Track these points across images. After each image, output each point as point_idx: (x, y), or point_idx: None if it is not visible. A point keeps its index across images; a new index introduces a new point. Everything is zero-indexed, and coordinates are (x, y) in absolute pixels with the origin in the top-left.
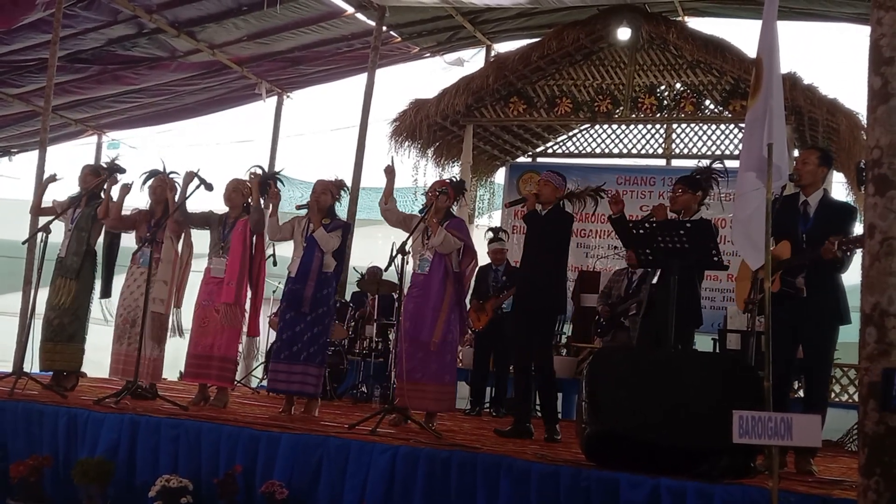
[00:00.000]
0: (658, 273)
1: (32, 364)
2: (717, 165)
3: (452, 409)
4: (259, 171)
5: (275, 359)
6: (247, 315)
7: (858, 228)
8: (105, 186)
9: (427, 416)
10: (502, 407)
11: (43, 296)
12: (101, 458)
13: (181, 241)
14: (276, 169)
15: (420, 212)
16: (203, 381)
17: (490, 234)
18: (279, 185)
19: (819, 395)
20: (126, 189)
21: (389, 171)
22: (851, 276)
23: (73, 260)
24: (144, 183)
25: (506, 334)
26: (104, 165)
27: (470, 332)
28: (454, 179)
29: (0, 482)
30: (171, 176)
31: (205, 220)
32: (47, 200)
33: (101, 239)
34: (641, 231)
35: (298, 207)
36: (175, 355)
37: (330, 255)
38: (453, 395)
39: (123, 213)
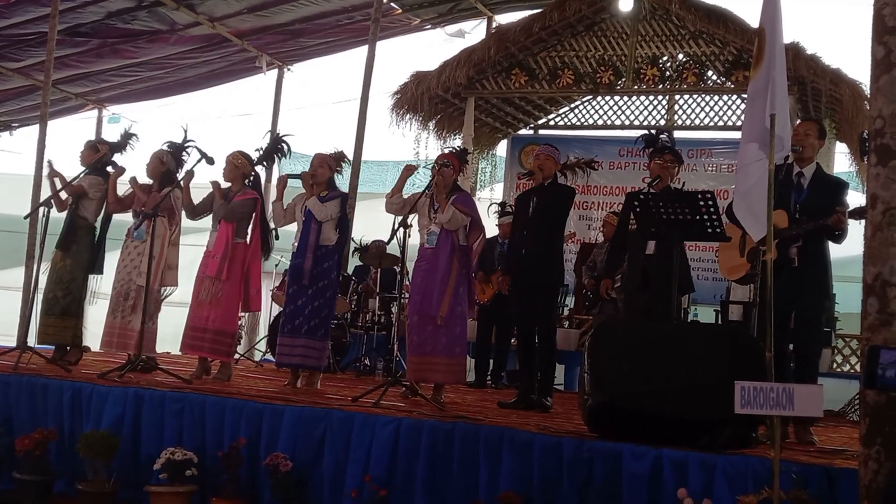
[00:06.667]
0: (651, 245)
1: (36, 338)
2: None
3: (463, 382)
4: (266, 140)
5: (280, 333)
6: (242, 290)
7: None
8: (111, 173)
9: (435, 388)
10: (502, 379)
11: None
12: (106, 432)
13: (172, 219)
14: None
15: (427, 188)
16: (197, 353)
17: (497, 208)
18: (283, 155)
19: (812, 366)
20: (117, 174)
21: (409, 170)
22: (839, 249)
23: (65, 234)
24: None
25: (509, 307)
26: (115, 140)
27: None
28: (456, 149)
29: (6, 456)
30: (187, 145)
31: (208, 204)
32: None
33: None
34: (642, 203)
35: (290, 177)
36: (176, 330)
37: (330, 229)
38: (464, 367)
39: (121, 194)
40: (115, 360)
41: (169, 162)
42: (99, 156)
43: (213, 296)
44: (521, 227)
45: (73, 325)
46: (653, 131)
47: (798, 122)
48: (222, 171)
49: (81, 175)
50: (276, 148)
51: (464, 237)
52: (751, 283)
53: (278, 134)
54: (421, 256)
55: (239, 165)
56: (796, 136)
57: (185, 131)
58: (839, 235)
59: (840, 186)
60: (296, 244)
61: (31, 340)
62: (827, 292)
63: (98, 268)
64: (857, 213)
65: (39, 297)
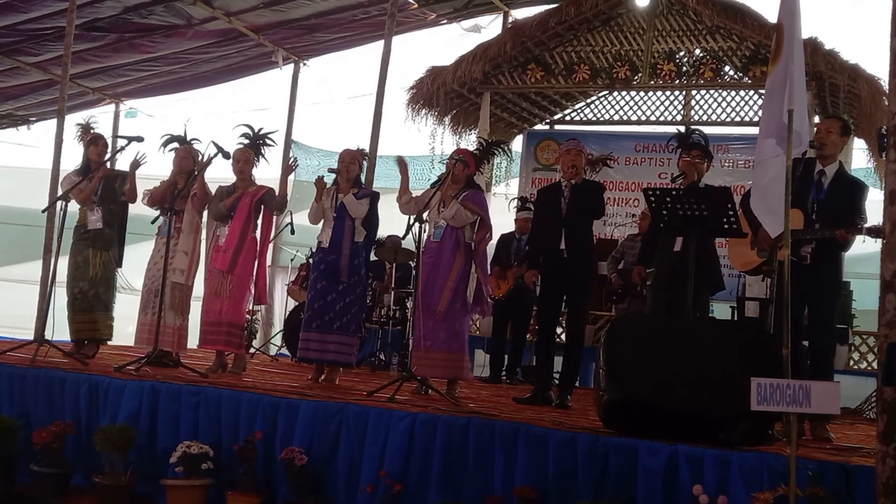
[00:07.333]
0: (679, 241)
1: (54, 332)
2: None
3: (462, 378)
4: (249, 133)
5: (306, 328)
6: (251, 283)
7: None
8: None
9: (448, 383)
10: (517, 375)
11: (63, 264)
12: (123, 425)
13: (201, 213)
14: (293, 137)
15: (435, 183)
16: (214, 348)
17: (517, 203)
18: (272, 144)
19: (827, 362)
20: (135, 166)
21: (402, 165)
22: (857, 246)
23: (107, 232)
24: (164, 146)
25: (525, 304)
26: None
27: (490, 300)
28: (484, 142)
29: (23, 448)
30: (192, 143)
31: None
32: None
33: None
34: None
35: (331, 171)
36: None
37: (360, 224)
38: (462, 362)
39: (151, 188)
40: (133, 354)
41: (197, 157)
42: (112, 153)
43: (224, 289)
44: (548, 222)
45: (112, 318)
46: (681, 129)
47: (817, 118)
48: (233, 167)
49: (100, 169)
50: (261, 141)
51: (471, 234)
52: (762, 275)
53: (257, 132)
54: (426, 250)
55: (251, 160)
56: (818, 134)
57: (186, 128)
58: (843, 246)
59: (861, 189)
60: (323, 241)
61: (49, 334)
62: (839, 290)
63: (121, 260)
64: (874, 232)
65: (57, 290)
